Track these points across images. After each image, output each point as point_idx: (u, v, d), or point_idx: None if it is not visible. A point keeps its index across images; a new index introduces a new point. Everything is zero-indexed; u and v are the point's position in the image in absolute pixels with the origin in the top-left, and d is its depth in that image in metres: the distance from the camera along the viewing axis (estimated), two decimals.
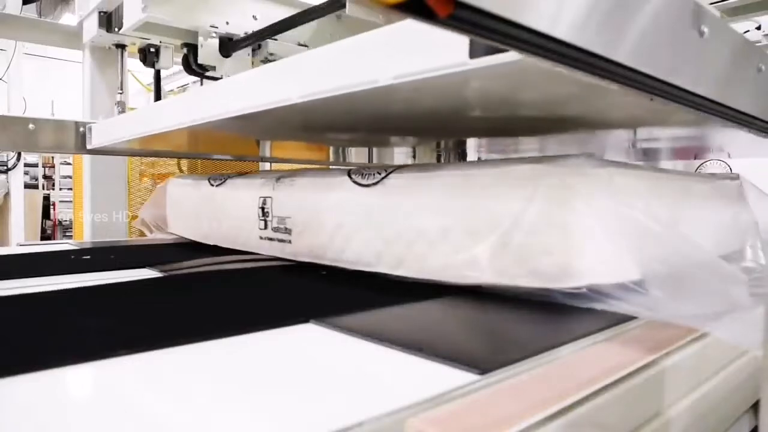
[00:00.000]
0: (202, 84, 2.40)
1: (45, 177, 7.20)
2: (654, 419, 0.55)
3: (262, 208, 1.21)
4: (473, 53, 0.56)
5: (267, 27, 1.44)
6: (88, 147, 1.59)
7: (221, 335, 0.62)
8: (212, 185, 1.40)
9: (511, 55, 0.53)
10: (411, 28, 0.64)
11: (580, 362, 0.56)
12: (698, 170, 2.38)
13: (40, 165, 7.01)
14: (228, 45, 1.51)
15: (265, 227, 1.21)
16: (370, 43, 0.69)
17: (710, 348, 0.66)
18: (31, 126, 1.56)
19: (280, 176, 1.19)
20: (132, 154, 1.86)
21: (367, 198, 0.98)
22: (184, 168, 2.67)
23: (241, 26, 1.52)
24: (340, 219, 1.03)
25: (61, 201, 6.96)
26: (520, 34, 0.39)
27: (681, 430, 0.59)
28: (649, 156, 1.77)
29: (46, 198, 6.88)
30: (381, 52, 0.68)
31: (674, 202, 0.95)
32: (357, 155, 3.11)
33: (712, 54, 0.63)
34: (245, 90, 0.93)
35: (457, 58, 0.57)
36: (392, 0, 0.30)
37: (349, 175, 1.02)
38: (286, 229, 1.15)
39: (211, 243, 1.41)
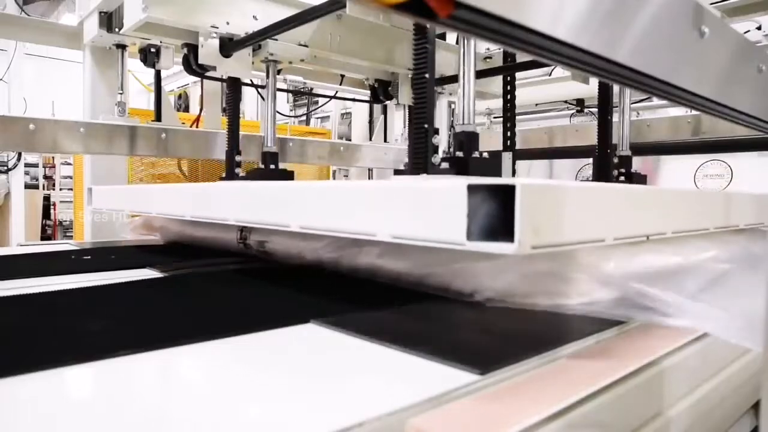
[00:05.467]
0: (202, 84, 2.40)
1: (45, 177, 7.19)
2: (654, 419, 0.55)
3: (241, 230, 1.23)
4: (470, 235, 0.54)
5: (267, 27, 1.44)
6: (90, 207, 1.62)
7: (222, 335, 0.62)
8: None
9: (508, 247, 0.52)
10: (413, 190, 0.63)
11: (580, 362, 0.56)
12: (699, 170, 2.39)
13: (40, 165, 7.01)
14: (228, 45, 1.51)
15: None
16: (373, 195, 0.68)
17: (710, 348, 0.66)
18: (31, 126, 1.56)
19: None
20: None
21: None
22: (185, 168, 2.67)
23: (242, 26, 1.52)
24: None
25: (61, 201, 6.95)
26: (520, 34, 0.39)
27: (681, 430, 0.59)
28: None
29: (47, 198, 6.87)
30: (382, 208, 0.66)
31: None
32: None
33: (712, 54, 0.63)
34: (248, 203, 0.93)
35: (454, 235, 0.56)
36: (393, 0, 0.31)
37: None
38: (266, 252, 1.17)
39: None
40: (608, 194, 0.67)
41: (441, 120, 2.72)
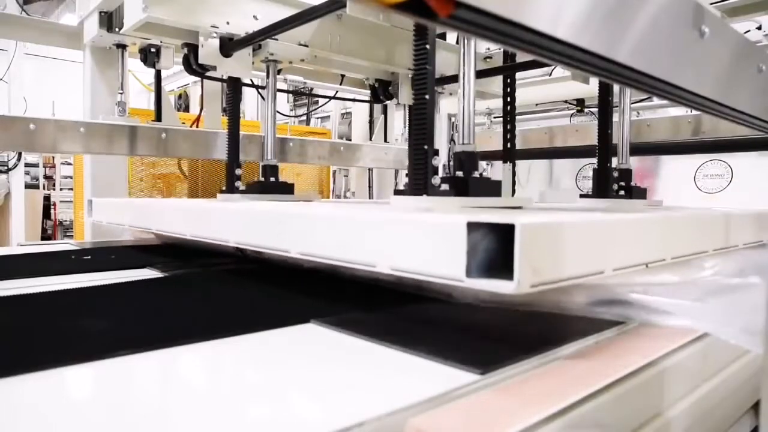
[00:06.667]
0: (202, 84, 2.40)
1: (46, 177, 7.20)
2: (654, 419, 0.55)
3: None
4: (469, 272, 0.55)
5: (267, 27, 1.44)
6: (90, 219, 1.62)
7: (222, 335, 0.62)
8: None
9: (508, 286, 0.52)
10: (414, 224, 0.63)
11: (580, 362, 0.56)
12: (699, 170, 2.38)
13: (40, 165, 7.01)
14: (228, 45, 1.51)
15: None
16: (373, 227, 0.68)
17: (710, 348, 0.66)
18: (31, 126, 1.56)
19: None
20: None
21: None
22: (185, 168, 2.67)
23: (242, 26, 1.52)
24: None
25: (61, 201, 6.95)
26: (521, 34, 0.39)
27: (681, 430, 0.59)
28: None
29: (47, 198, 6.88)
30: (383, 240, 0.66)
31: None
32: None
33: (712, 54, 0.63)
34: (248, 226, 0.93)
35: (453, 271, 0.56)
36: (393, 0, 0.31)
37: None
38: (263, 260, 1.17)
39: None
40: (607, 227, 0.67)
41: (440, 128, 2.72)
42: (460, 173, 1.02)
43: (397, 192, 1.05)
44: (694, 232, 0.87)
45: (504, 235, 0.53)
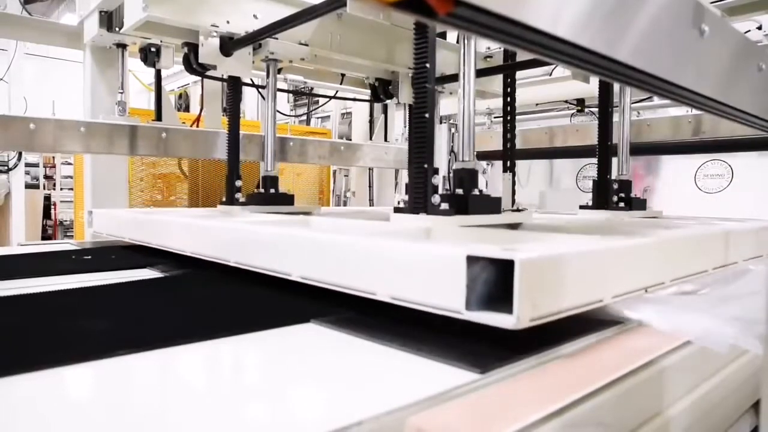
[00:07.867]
0: (203, 83, 2.40)
1: (46, 177, 7.20)
2: (654, 419, 0.55)
3: None
4: (469, 305, 0.55)
5: (268, 26, 1.44)
6: (90, 230, 1.62)
7: (222, 335, 0.62)
8: None
9: (507, 320, 0.52)
10: (414, 253, 0.63)
11: (580, 361, 0.56)
12: (699, 170, 2.38)
13: (41, 165, 7.01)
14: (229, 44, 1.51)
15: None
16: (374, 255, 0.69)
17: (710, 348, 0.66)
18: (31, 126, 1.56)
19: None
20: None
21: None
22: (185, 167, 2.67)
23: (242, 25, 1.52)
24: None
25: (62, 201, 6.96)
26: (520, 32, 0.39)
27: (681, 430, 0.59)
28: None
29: (47, 198, 6.88)
30: (383, 268, 0.67)
31: None
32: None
33: (712, 53, 0.63)
34: (249, 246, 0.94)
35: (453, 303, 0.56)
36: None
37: None
38: None
39: None
40: (606, 256, 0.67)
41: (439, 137, 2.71)
42: (459, 191, 1.02)
43: (397, 209, 1.05)
44: (693, 253, 0.87)
45: (504, 267, 0.53)
